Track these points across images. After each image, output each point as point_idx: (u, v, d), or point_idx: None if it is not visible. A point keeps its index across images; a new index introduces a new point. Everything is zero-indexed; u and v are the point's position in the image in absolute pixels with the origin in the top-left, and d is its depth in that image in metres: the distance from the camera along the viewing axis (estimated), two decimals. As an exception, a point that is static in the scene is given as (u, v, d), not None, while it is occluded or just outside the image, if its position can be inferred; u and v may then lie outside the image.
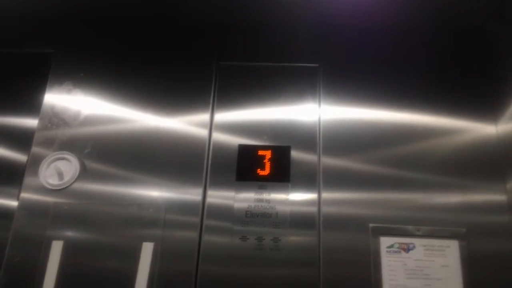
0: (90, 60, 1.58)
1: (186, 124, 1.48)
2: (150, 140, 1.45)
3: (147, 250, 1.29)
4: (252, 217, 1.37)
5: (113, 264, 1.30)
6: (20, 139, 1.49)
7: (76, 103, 1.52)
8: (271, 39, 1.61)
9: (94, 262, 1.31)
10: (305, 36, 1.61)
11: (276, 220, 1.36)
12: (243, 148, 1.45)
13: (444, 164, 1.40)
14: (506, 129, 1.41)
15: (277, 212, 1.37)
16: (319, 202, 1.37)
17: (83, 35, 1.63)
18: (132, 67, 1.56)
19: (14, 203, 1.40)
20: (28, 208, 1.38)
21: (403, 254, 1.31)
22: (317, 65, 1.56)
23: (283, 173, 1.41)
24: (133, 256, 1.29)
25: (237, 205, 1.38)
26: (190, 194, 1.38)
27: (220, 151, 1.45)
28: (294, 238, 1.34)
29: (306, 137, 1.46)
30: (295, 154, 1.44)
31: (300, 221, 1.36)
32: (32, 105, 1.52)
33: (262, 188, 1.40)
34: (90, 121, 1.49)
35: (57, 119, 1.50)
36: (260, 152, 1.44)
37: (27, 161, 1.44)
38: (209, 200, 1.39)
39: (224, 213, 1.37)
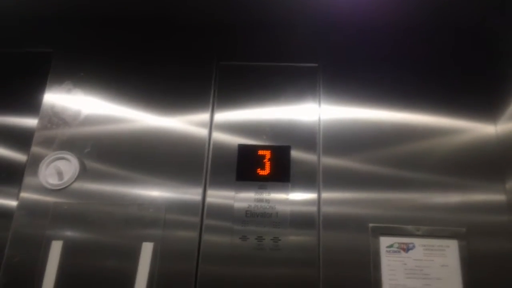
0: (90, 60, 1.58)
1: (186, 124, 1.48)
2: (150, 140, 1.45)
3: (147, 250, 1.29)
4: (252, 217, 1.37)
5: (113, 264, 1.30)
6: (19, 138, 1.49)
7: (76, 103, 1.52)
8: (271, 38, 1.61)
9: (94, 262, 1.31)
10: (304, 35, 1.61)
11: (276, 220, 1.36)
12: (243, 148, 1.45)
13: (443, 164, 1.41)
14: (506, 129, 1.41)
15: (277, 212, 1.37)
16: (319, 202, 1.38)
17: (83, 34, 1.63)
18: (132, 67, 1.56)
19: (13, 203, 1.40)
20: (27, 208, 1.38)
21: (403, 254, 1.31)
22: (317, 64, 1.56)
23: (283, 173, 1.41)
24: (133, 256, 1.29)
25: (237, 205, 1.38)
26: (190, 194, 1.38)
27: (220, 151, 1.45)
28: (294, 238, 1.34)
29: (306, 137, 1.46)
30: (295, 154, 1.44)
31: (300, 221, 1.36)
32: (32, 105, 1.52)
33: (262, 188, 1.40)
34: (90, 120, 1.49)
35: (57, 118, 1.50)
36: (260, 152, 1.44)
37: (27, 160, 1.44)
38: (209, 200, 1.39)
39: (224, 213, 1.37)
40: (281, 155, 1.43)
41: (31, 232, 1.34)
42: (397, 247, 1.32)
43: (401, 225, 1.34)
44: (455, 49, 1.56)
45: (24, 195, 1.39)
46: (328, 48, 1.58)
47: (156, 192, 1.39)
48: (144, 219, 1.35)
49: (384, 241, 1.32)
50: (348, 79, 1.53)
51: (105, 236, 1.34)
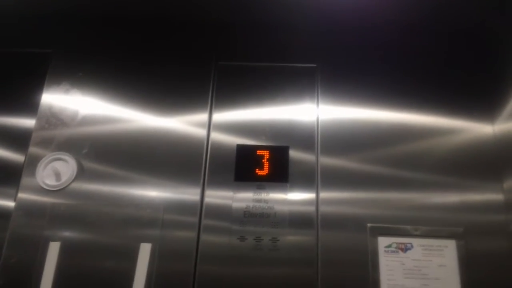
0: (88, 60, 1.58)
1: (185, 124, 1.47)
2: (148, 140, 1.45)
3: (145, 250, 1.29)
4: (251, 217, 1.36)
5: (110, 265, 1.30)
6: (17, 139, 1.48)
7: (74, 103, 1.52)
8: (269, 38, 1.61)
9: (92, 263, 1.31)
10: (303, 36, 1.61)
11: (274, 220, 1.36)
12: (241, 148, 1.45)
13: (441, 164, 1.41)
14: (503, 129, 1.41)
15: (275, 212, 1.37)
16: (317, 202, 1.38)
17: (82, 34, 1.63)
18: (131, 67, 1.56)
19: (11, 204, 1.39)
20: (25, 209, 1.37)
21: (401, 254, 1.32)
22: (315, 65, 1.57)
23: (281, 173, 1.41)
24: (131, 257, 1.28)
25: (235, 205, 1.38)
26: (188, 194, 1.38)
27: (219, 151, 1.45)
28: (292, 238, 1.34)
29: (304, 137, 1.46)
30: (293, 154, 1.44)
31: (299, 221, 1.36)
32: (29, 105, 1.51)
33: (260, 188, 1.40)
34: (87, 121, 1.49)
35: (54, 119, 1.49)
36: (259, 152, 1.44)
37: (25, 161, 1.44)
38: (207, 200, 1.39)
39: (223, 213, 1.37)
40: (279, 155, 1.43)
41: (28, 233, 1.34)
42: (395, 247, 1.32)
43: (399, 225, 1.34)
44: (454, 49, 1.57)
45: (22, 196, 1.39)
46: (326, 49, 1.59)
47: (154, 193, 1.38)
48: (142, 219, 1.35)
49: (382, 241, 1.32)
50: (346, 79, 1.53)
51: (103, 237, 1.33)
